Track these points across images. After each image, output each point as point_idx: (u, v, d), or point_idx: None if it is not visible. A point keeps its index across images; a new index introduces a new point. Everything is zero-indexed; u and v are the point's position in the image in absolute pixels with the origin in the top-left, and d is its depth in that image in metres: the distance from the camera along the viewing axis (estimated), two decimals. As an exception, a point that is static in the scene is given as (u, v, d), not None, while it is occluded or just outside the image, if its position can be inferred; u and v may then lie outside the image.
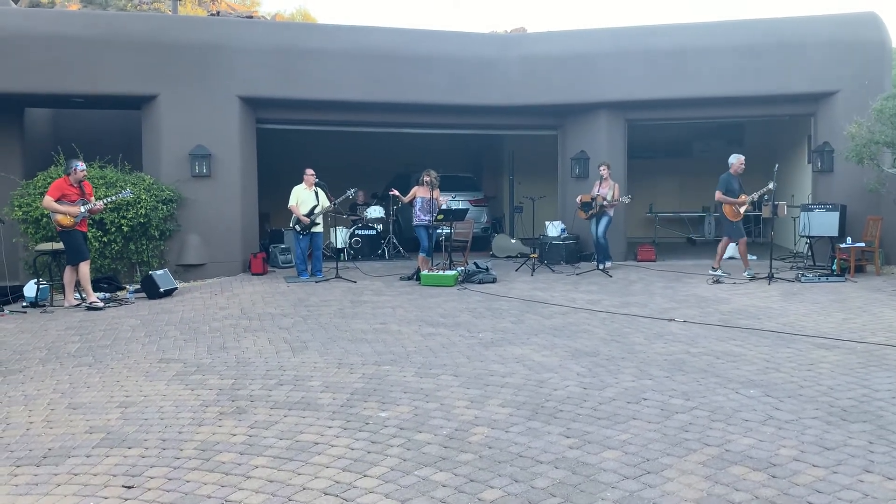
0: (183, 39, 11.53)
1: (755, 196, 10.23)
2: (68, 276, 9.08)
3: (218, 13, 23.81)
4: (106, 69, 11.06)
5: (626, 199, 11.71)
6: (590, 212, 11.66)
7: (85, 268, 8.97)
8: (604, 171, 11.56)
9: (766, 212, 10.32)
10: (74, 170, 8.95)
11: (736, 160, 10.55)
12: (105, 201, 9.37)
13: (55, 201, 8.74)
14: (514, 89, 12.65)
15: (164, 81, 11.33)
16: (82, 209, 8.90)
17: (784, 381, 5.19)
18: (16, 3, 18.91)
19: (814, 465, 3.67)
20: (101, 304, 8.84)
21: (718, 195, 10.50)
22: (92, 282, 9.24)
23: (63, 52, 10.90)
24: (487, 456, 3.88)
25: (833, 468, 3.64)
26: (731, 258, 12.86)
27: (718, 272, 10.35)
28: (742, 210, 10.31)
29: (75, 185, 8.96)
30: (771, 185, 10.18)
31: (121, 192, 9.66)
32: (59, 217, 8.78)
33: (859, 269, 10.70)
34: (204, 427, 4.46)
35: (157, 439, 4.27)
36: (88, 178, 9.61)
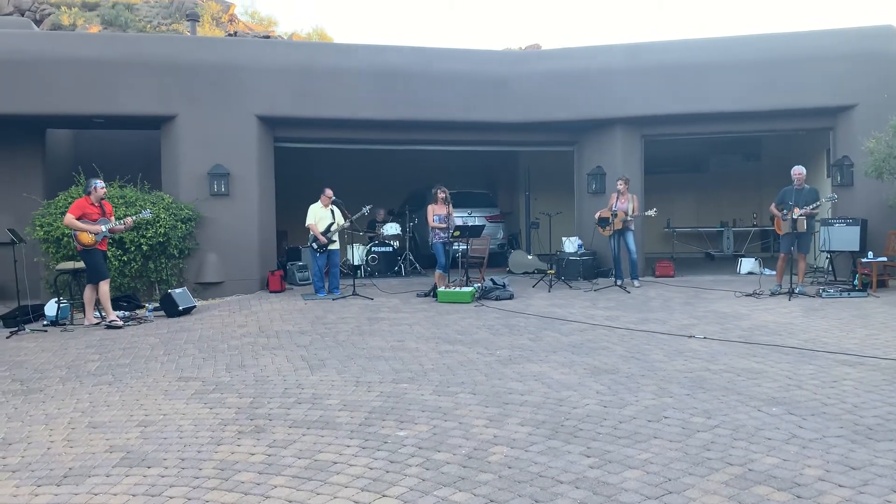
0: (201, 60, 11.68)
1: (794, 212, 10.05)
2: (88, 294, 9.16)
3: (235, 34, 24.08)
4: (126, 90, 11.21)
5: (651, 213, 11.60)
6: (606, 227, 11.62)
7: (105, 287, 9.06)
8: (621, 185, 11.53)
9: (785, 226, 10.24)
10: (94, 188, 9.07)
11: (792, 172, 10.44)
12: (134, 219, 9.48)
13: (76, 219, 8.85)
14: (530, 106, 12.67)
15: (183, 102, 11.46)
16: (103, 228, 9.00)
17: (807, 399, 5.12)
18: (38, 27, 19.24)
19: (839, 486, 3.61)
20: (120, 323, 8.90)
21: (771, 207, 10.63)
22: (111, 300, 9.30)
23: (84, 73, 11.07)
24: (507, 476, 3.85)
25: (859, 488, 3.57)
26: (749, 273, 12.79)
27: (797, 288, 10.13)
28: (785, 223, 10.19)
29: (96, 204, 9.08)
30: (823, 200, 10.50)
31: (141, 212, 9.75)
32: (81, 235, 8.87)
33: (881, 285, 10.57)
34: (223, 446, 4.46)
35: (176, 458, 4.27)
36: (108, 198, 9.70)
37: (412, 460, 4.12)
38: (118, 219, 9.42)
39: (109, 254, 10.14)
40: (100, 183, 9.15)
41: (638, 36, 64.14)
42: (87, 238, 8.89)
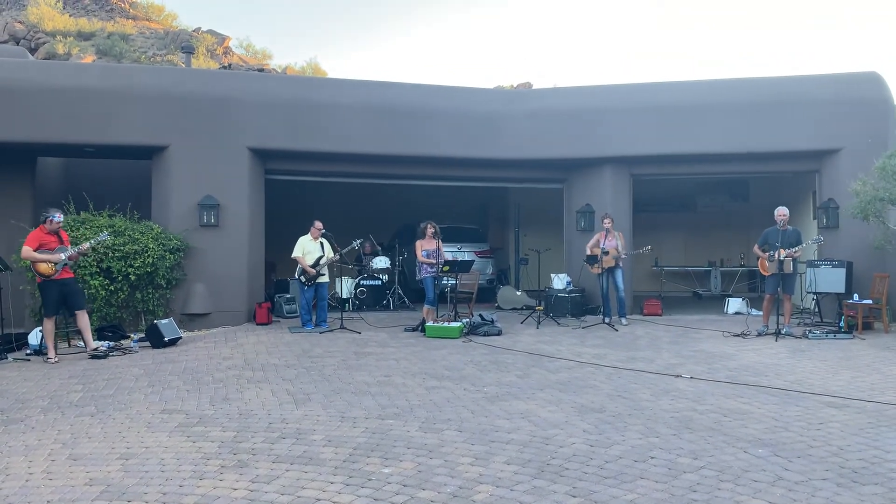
0: (195, 92, 11.75)
1: (780, 253, 10.12)
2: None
3: (230, 66, 24.27)
4: (119, 120, 11.24)
5: (645, 251, 11.68)
6: (595, 265, 11.65)
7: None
8: (608, 223, 11.62)
9: (771, 267, 10.31)
10: (50, 220, 8.83)
11: (775, 213, 10.54)
12: (91, 243, 9.32)
13: (34, 251, 8.66)
14: (520, 143, 12.78)
15: (176, 132, 11.50)
16: (63, 256, 8.84)
17: (793, 441, 5.12)
18: (33, 56, 19.35)
19: (825, 529, 3.60)
20: (53, 360, 8.59)
21: (755, 248, 10.70)
22: (97, 329, 9.17)
23: (77, 103, 11.10)
24: (492, 515, 3.82)
25: (845, 533, 3.56)
26: (737, 313, 12.84)
27: (783, 329, 10.12)
28: (771, 264, 10.24)
29: (52, 234, 8.87)
30: (810, 242, 10.60)
31: (98, 236, 9.63)
32: (39, 266, 8.69)
33: (867, 327, 10.63)
34: (205, 481, 4.41)
35: (157, 493, 4.21)
36: (97, 226, 9.61)
37: (396, 498, 4.07)
38: (74, 244, 9.26)
39: (96, 283, 10.08)
40: (58, 216, 8.92)
41: (629, 76, 65.15)
42: (45, 268, 8.69)
